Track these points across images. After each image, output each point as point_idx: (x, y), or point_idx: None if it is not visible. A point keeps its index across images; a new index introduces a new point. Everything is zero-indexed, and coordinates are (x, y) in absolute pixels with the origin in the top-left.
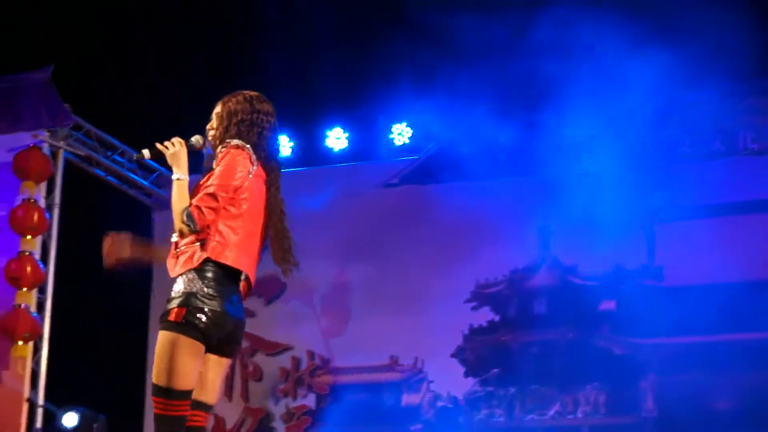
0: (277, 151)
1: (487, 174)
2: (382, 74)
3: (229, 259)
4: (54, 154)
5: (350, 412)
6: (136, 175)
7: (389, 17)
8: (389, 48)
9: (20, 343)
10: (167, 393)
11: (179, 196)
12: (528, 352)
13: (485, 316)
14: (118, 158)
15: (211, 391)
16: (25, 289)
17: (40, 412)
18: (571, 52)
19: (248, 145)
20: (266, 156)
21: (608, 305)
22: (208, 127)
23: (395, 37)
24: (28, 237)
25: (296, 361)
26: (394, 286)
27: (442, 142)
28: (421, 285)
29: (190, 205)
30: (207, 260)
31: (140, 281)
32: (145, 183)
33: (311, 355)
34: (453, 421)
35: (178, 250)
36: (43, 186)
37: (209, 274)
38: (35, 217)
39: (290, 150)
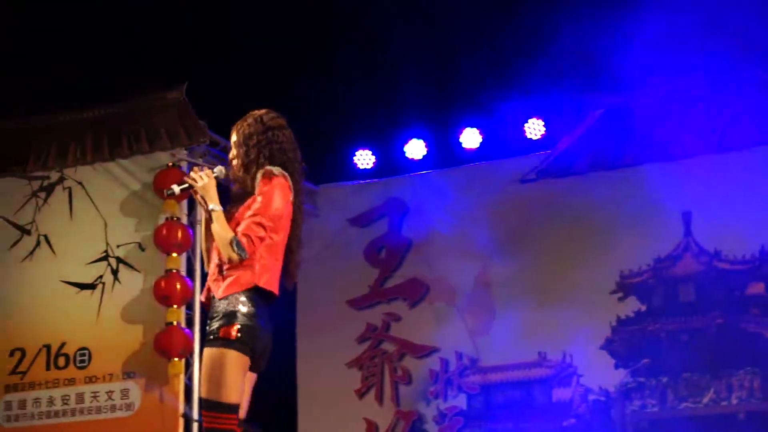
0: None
1: (624, 162)
2: (513, 69)
3: (268, 283)
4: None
5: (501, 410)
6: None
7: (520, 13)
8: (520, 42)
9: (176, 359)
10: (218, 407)
11: (221, 226)
12: (677, 340)
13: (632, 306)
14: None
15: (244, 404)
16: (175, 306)
17: (195, 426)
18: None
19: (285, 173)
20: (296, 170)
21: (756, 288)
22: (230, 156)
23: (526, 30)
24: (174, 255)
25: (444, 363)
26: (537, 282)
27: (577, 134)
28: (565, 278)
29: (237, 233)
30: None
31: (285, 291)
32: None
33: (459, 355)
34: (605, 414)
35: (223, 273)
36: (185, 204)
37: (253, 296)
38: (179, 234)
39: (425, 152)
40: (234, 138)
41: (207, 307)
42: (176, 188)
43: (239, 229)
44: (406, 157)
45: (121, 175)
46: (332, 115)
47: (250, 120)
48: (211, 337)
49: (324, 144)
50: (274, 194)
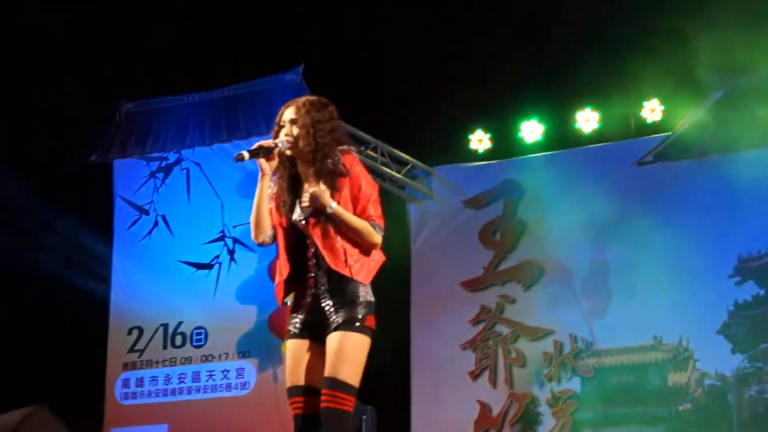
0: None
1: (744, 145)
2: (629, 51)
3: None
4: None
5: (616, 394)
6: (390, 168)
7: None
8: (637, 25)
9: None
10: (353, 391)
11: (350, 218)
12: None
13: (750, 290)
14: (371, 153)
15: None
16: None
17: None
18: None
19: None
20: None
21: None
22: (288, 133)
23: (645, 11)
24: None
25: (559, 345)
26: (653, 265)
27: (696, 116)
28: (681, 262)
29: (370, 217)
30: None
31: (400, 271)
32: (398, 176)
33: (574, 338)
34: (722, 400)
35: (351, 258)
36: None
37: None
38: None
39: (541, 134)
40: (294, 117)
41: (280, 303)
42: (245, 153)
43: (369, 212)
44: (522, 139)
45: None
46: (448, 96)
47: (316, 104)
48: (357, 323)
49: (439, 125)
50: (368, 173)
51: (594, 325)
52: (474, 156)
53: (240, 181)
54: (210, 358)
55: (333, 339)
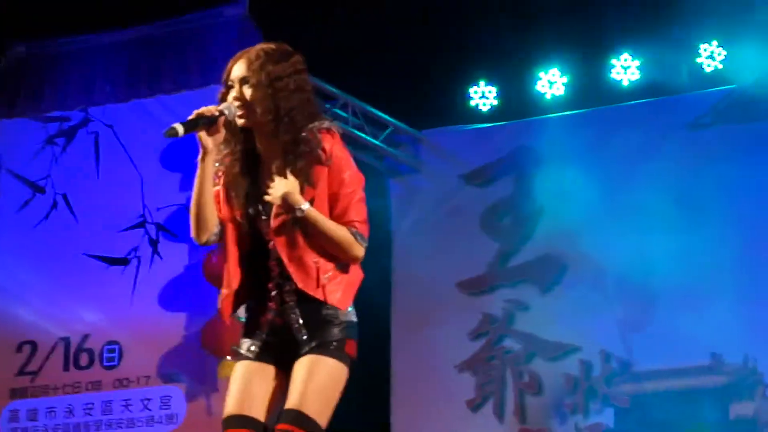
0: None
1: None
2: None
3: None
4: None
5: (660, 429)
6: (364, 132)
7: None
8: None
9: (229, 358)
10: (319, 431)
11: (328, 224)
12: None
13: None
14: (340, 112)
15: None
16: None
17: None
18: None
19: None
20: None
21: None
22: (238, 96)
23: None
24: None
25: (586, 366)
26: (713, 261)
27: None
28: (750, 258)
29: (351, 223)
30: None
31: (379, 276)
32: (376, 142)
33: (606, 356)
34: None
35: (325, 276)
36: None
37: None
38: None
39: (565, 88)
40: (245, 74)
41: (227, 320)
42: (179, 127)
43: (350, 216)
44: (540, 95)
45: (163, 115)
46: (442, 39)
47: (275, 54)
48: (334, 347)
49: (431, 77)
50: (352, 161)
51: (632, 340)
52: (476, 116)
53: (166, 149)
54: (126, 382)
55: (302, 364)
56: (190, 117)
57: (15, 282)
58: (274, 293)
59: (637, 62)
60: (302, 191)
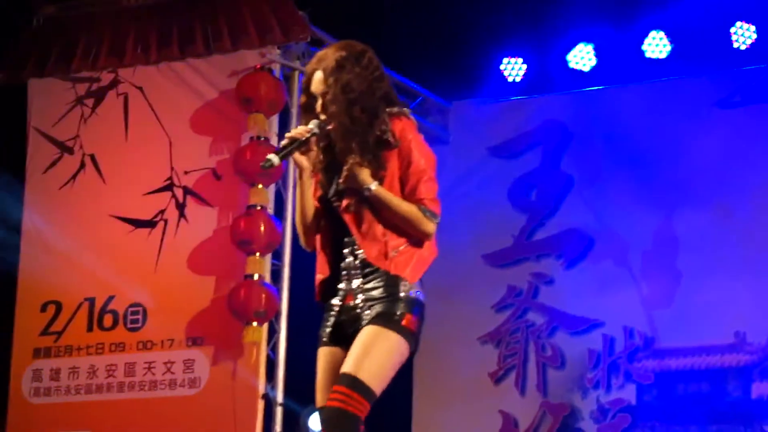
0: None
1: None
2: None
3: None
4: (288, 78)
5: (683, 406)
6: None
7: None
8: None
9: (255, 324)
10: (372, 400)
11: (396, 201)
12: None
13: None
14: None
15: None
16: (258, 254)
17: (279, 411)
18: None
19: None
20: None
21: None
22: (322, 93)
23: None
24: (260, 186)
25: (609, 341)
26: (739, 239)
27: None
28: None
29: (421, 200)
30: None
31: None
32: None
33: (629, 332)
34: None
35: (394, 251)
36: (275, 119)
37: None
38: None
39: (595, 62)
40: (324, 89)
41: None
42: (274, 158)
43: (420, 194)
44: (570, 68)
45: (193, 79)
46: (474, 10)
47: (348, 59)
48: (394, 319)
49: (460, 48)
50: (424, 143)
51: (656, 317)
52: (506, 88)
53: (195, 113)
54: (149, 345)
55: (361, 333)
56: (283, 143)
57: (42, 242)
58: (345, 274)
59: (668, 39)
60: (375, 175)
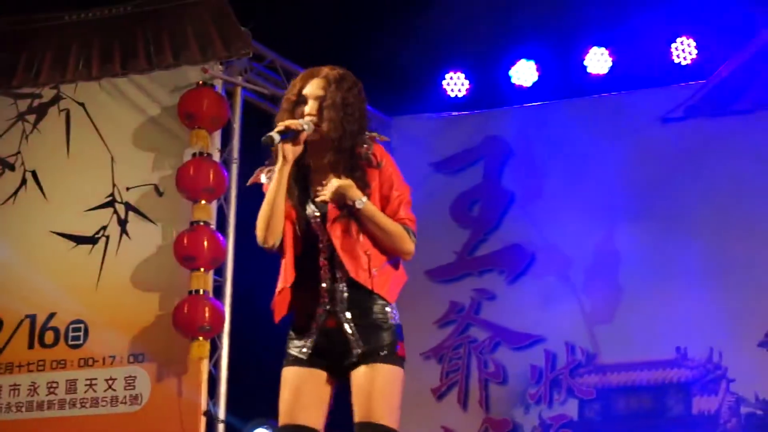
0: None
1: None
2: None
3: None
4: (230, 94)
5: (624, 422)
6: None
7: None
8: None
9: (200, 339)
10: None
11: (383, 219)
12: None
13: None
14: None
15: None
16: (202, 270)
17: (221, 428)
18: None
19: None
20: None
21: None
22: (312, 111)
23: None
24: (202, 202)
25: (551, 357)
26: (679, 254)
27: (741, 59)
28: (716, 251)
29: (403, 220)
30: None
31: None
32: None
33: (571, 348)
34: None
35: (375, 269)
36: (218, 135)
37: None
38: (211, 176)
39: (536, 77)
40: (322, 93)
41: (277, 319)
42: (276, 136)
43: (402, 214)
44: (512, 84)
45: (135, 95)
46: (415, 26)
47: (348, 80)
48: (388, 352)
49: (402, 63)
50: (397, 166)
51: (598, 332)
52: (447, 104)
53: (137, 129)
54: (91, 362)
55: (360, 375)
56: (280, 128)
57: None
58: (325, 294)
59: (609, 55)
60: (362, 191)
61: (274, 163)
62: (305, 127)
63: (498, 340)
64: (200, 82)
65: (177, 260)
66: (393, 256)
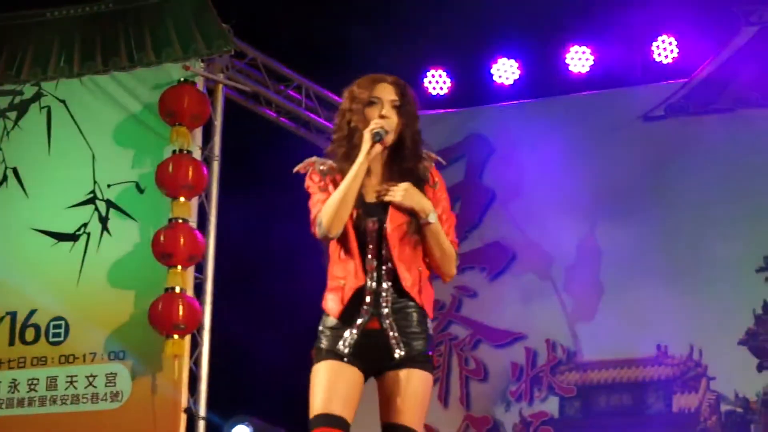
0: None
1: None
2: None
3: None
4: (211, 91)
5: (605, 419)
6: (318, 115)
7: None
8: None
9: (175, 337)
10: None
11: (443, 239)
12: None
13: None
14: (294, 94)
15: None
16: (179, 267)
17: (201, 425)
18: None
19: None
20: None
21: None
22: (388, 116)
23: None
24: (182, 199)
25: (532, 354)
26: (660, 252)
27: (723, 59)
28: (697, 249)
29: (453, 242)
30: None
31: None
32: (329, 124)
33: (552, 345)
34: (743, 430)
35: (422, 284)
36: (199, 133)
37: None
38: (190, 173)
39: (518, 76)
40: (397, 100)
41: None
42: (382, 131)
43: (451, 236)
44: (493, 82)
45: (116, 92)
46: (398, 24)
47: (412, 95)
48: (426, 360)
49: (383, 61)
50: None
51: (579, 329)
52: (429, 101)
53: (118, 126)
54: (71, 359)
55: (397, 378)
56: (378, 127)
57: None
58: (370, 296)
59: (591, 54)
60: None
61: (330, 158)
62: (388, 129)
63: (479, 337)
64: (181, 79)
65: (155, 257)
66: (435, 273)
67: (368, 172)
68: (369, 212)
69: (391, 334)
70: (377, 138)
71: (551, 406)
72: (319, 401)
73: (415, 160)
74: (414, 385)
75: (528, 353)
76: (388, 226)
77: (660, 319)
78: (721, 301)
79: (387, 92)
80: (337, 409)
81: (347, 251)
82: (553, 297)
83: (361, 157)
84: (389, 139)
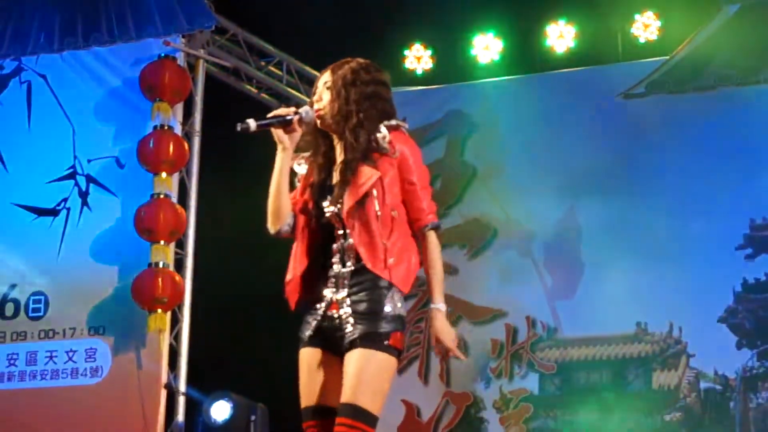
0: None
1: (764, 75)
2: None
3: None
4: (192, 66)
5: (584, 396)
6: (299, 90)
7: None
8: None
9: (159, 311)
10: (375, 423)
11: (441, 281)
12: None
13: (764, 266)
14: (275, 70)
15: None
16: (162, 242)
17: (181, 400)
18: None
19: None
20: None
21: None
22: (318, 99)
23: None
24: (163, 175)
25: (512, 331)
26: (640, 230)
27: (703, 36)
28: (677, 227)
29: (429, 215)
30: None
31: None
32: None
33: (532, 322)
34: (722, 408)
35: (390, 260)
36: (180, 108)
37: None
38: (171, 148)
39: (500, 52)
40: (328, 79)
41: (293, 306)
42: (252, 122)
43: (429, 209)
44: (475, 59)
45: (97, 67)
46: (377, 0)
47: (353, 65)
48: (380, 340)
49: (364, 37)
50: (418, 151)
51: (559, 307)
52: (410, 78)
53: (99, 101)
54: (51, 334)
55: (351, 359)
56: (268, 115)
57: None
58: (331, 281)
59: (572, 30)
60: (374, 177)
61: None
62: (303, 114)
63: (459, 314)
64: (162, 55)
65: (137, 232)
66: (406, 246)
67: (334, 152)
68: (330, 194)
69: (344, 317)
70: (244, 130)
71: (531, 382)
72: (302, 394)
73: (364, 132)
74: (367, 366)
75: (508, 330)
76: (345, 206)
77: (640, 297)
78: (701, 279)
79: (322, 78)
80: (318, 399)
81: (302, 238)
82: (534, 274)
83: (278, 153)
84: (320, 116)
